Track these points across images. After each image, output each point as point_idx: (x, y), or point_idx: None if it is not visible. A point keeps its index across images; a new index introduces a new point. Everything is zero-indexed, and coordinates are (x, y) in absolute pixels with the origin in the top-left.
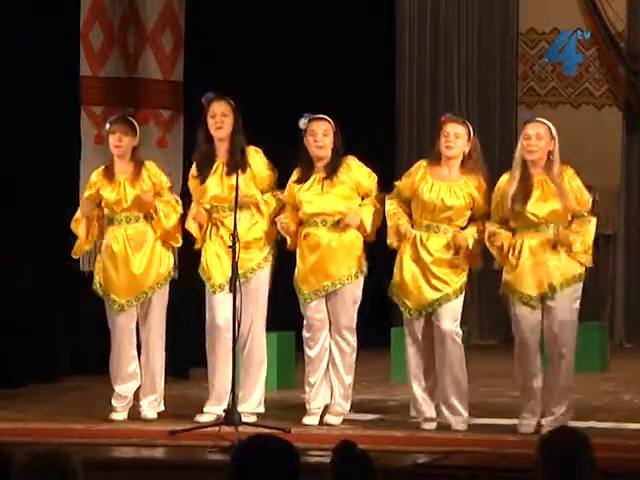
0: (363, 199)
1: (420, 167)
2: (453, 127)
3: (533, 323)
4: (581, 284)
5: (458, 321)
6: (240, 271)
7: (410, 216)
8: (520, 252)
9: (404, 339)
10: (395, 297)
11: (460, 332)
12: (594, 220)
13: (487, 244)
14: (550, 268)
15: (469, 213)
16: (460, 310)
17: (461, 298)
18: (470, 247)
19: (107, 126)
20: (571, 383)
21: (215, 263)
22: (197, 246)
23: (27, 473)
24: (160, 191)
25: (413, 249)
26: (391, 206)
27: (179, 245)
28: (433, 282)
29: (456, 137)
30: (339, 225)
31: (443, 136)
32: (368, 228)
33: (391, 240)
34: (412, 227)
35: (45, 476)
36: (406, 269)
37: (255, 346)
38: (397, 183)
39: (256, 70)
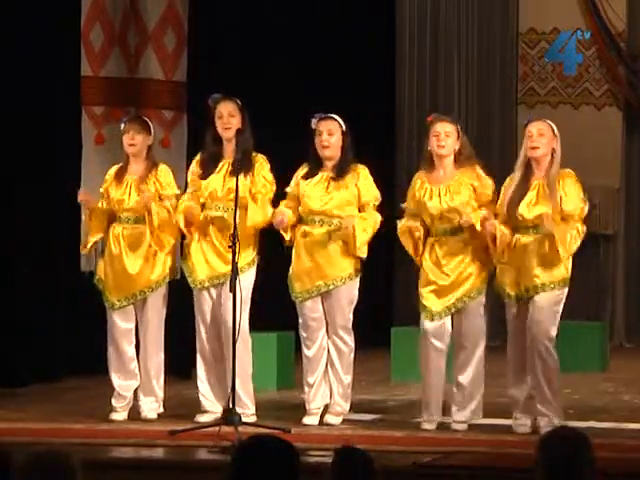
0: (359, 211)
1: (417, 179)
2: (442, 126)
3: (518, 322)
4: (565, 290)
5: (480, 321)
6: (223, 270)
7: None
8: (510, 251)
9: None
10: (418, 301)
11: (482, 331)
12: (583, 230)
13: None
14: (531, 271)
15: (475, 204)
16: (482, 310)
17: (481, 299)
18: (478, 228)
19: (122, 126)
20: (556, 386)
21: (199, 260)
22: (187, 240)
23: (27, 473)
24: (162, 197)
25: (429, 255)
26: (400, 224)
27: (163, 252)
28: (449, 285)
29: (446, 136)
30: (336, 229)
31: (434, 136)
32: (357, 240)
33: (413, 255)
34: (428, 235)
35: (45, 476)
36: (425, 274)
37: (241, 346)
38: (402, 205)
39: (257, 70)
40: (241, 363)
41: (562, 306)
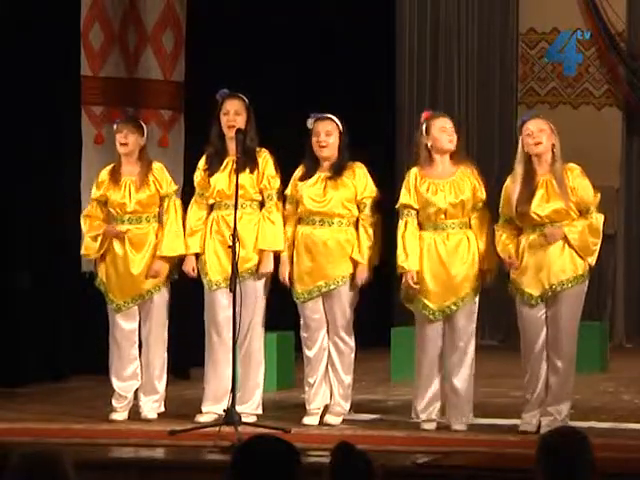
0: (358, 208)
1: (413, 175)
2: (446, 121)
3: (536, 322)
4: (585, 285)
5: (474, 321)
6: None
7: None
8: (524, 251)
9: (414, 341)
10: (416, 299)
11: (474, 331)
12: (600, 217)
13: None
14: (552, 268)
15: (471, 204)
16: (476, 311)
17: (476, 299)
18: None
19: (114, 126)
20: (571, 385)
21: (213, 260)
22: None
23: (18, 474)
24: (163, 196)
25: (429, 252)
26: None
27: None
28: (451, 283)
29: (453, 130)
30: (337, 226)
31: (442, 132)
32: (365, 258)
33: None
34: (421, 229)
35: (36, 477)
36: (427, 271)
37: (253, 347)
38: (400, 203)
39: (256, 70)
40: (252, 362)
41: (583, 300)
